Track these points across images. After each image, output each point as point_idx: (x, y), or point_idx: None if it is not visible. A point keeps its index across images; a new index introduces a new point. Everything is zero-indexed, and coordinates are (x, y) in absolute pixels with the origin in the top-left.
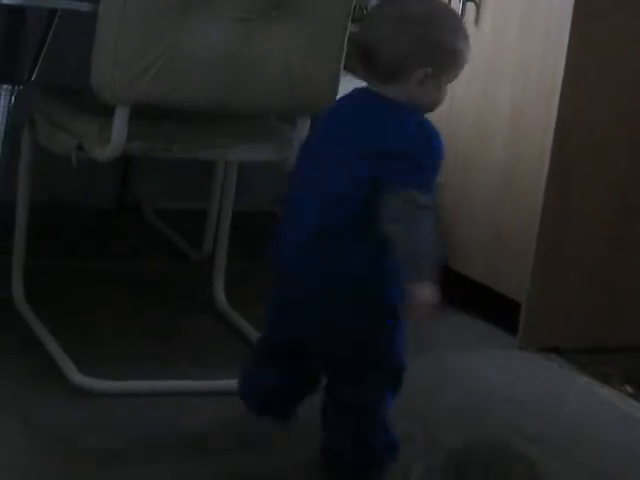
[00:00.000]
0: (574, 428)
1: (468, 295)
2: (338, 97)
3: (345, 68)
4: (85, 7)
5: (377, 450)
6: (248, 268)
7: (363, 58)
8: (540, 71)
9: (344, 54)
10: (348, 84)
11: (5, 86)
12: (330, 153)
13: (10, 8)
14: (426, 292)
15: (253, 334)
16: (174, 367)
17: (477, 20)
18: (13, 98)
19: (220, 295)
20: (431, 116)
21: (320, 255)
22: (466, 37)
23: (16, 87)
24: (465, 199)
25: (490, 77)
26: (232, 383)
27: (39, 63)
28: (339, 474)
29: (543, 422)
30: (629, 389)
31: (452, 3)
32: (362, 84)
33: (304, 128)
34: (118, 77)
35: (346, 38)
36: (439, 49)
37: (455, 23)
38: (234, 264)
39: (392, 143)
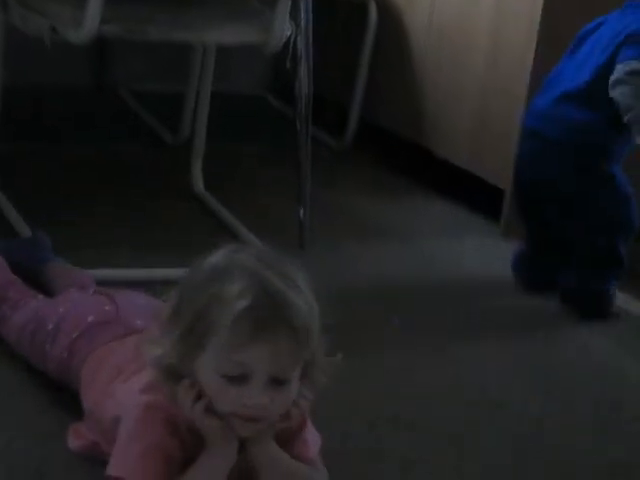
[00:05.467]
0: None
1: (451, 182)
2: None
3: None
4: None
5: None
6: (226, 152)
7: None
8: None
9: None
10: None
11: None
12: (596, 41)
13: None
14: None
15: (230, 220)
16: (150, 254)
17: None
18: None
19: (198, 180)
20: None
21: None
22: None
23: None
24: (450, 82)
25: None
26: None
27: None
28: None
29: (528, 312)
30: None
31: None
32: None
33: (285, 11)
34: None
35: None
36: None
37: None
38: (212, 148)
39: (631, 30)
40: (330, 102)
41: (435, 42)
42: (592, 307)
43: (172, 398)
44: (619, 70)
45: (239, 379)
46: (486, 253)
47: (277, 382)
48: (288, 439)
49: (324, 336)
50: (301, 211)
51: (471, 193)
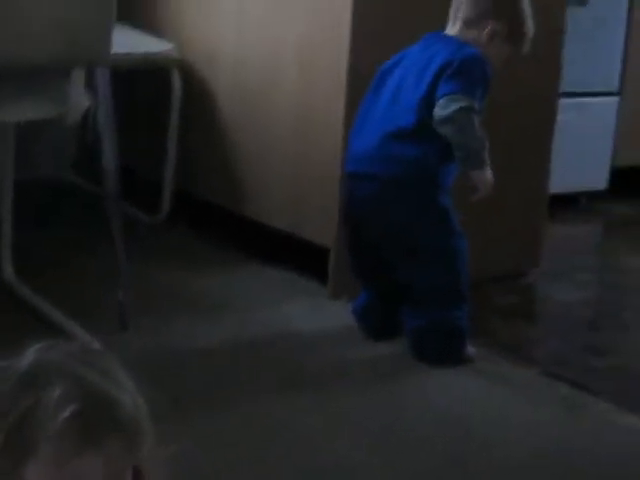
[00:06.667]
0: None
1: (276, 247)
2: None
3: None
4: None
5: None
6: (37, 238)
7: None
8: (330, 10)
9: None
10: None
11: None
12: (402, 75)
13: None
14: (487, 175)
15: (46, 308)
16: None
17: None
18: None
19: (7, 269)
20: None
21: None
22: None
23: None
24: (262, 147)
25: (278, 17)
26: None
27: None
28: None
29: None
30: None
31: None
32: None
33: (79, 82)
34: None
35: None
36: (514, 15)
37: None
38: (21, 235)
39: (442, 59)
40: (142, 175)
41: (241, 107)
42: (444, 347)
43: None
44: (444, 106)
45: None
46: (315, 314)
47: None
48: None
49: (154, 425)
50: (120, 292)
51: (297, 256)
